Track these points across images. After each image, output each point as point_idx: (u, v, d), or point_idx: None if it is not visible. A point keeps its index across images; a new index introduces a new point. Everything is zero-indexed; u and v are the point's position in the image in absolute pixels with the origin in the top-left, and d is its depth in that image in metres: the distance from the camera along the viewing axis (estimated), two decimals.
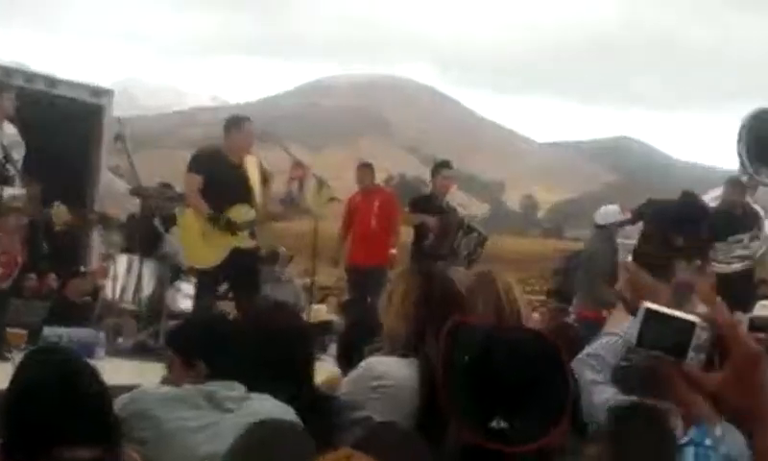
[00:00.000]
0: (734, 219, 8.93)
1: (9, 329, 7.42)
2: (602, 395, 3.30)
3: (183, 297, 9.04)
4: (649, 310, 1.56)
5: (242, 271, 7.86)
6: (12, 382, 3.04)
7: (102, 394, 2.96)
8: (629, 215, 8.75)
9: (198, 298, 8.09)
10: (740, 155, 8.75)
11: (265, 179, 8.22)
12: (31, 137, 7.80)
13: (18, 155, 7.53)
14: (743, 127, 8.89)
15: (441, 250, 9.40)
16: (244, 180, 8.00)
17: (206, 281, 7.91)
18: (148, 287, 8.96)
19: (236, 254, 7.79)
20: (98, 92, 11.08)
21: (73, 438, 2.71)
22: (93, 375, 3.17)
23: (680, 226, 8.31)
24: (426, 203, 9.95)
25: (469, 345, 2.34)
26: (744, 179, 9.11)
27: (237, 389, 3.28)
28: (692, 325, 1.53)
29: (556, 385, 2.34)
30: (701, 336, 1.52)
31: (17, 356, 6.42)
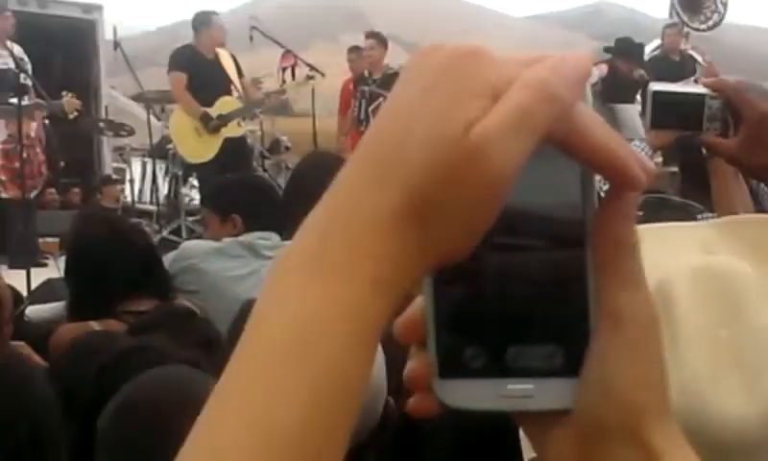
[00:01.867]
0: (673, 64, 9.42)
1: (41, 239, 7.73)
2: None
3: (198, 191, 9.15)
4: (657, 92, 1.59)
5: (235, 157, 8.07)
6: (71, 242, 3.26)
7: (151, 248, 3.24)
8: (604, 68, 9.17)
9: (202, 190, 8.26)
10: (673, 4, 9.07)
11: (240, 71, 8.45)
12: (30, 58, 8.06)
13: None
14: None
15: None
16: (223, 73, 8.23)
17: (207, 173, 8.01)
18: (164, 187, 9.27)
19: (228, 142, 8.07)
20: (89, 8, 11.09)
21: (131, 290, 2.91)
22: (141, 232, 3.47)
23: (640, 61, 8.89)
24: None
25: None
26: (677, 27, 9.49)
27: (273, 238, 3.51)
28: (702, 96, 1.55)
29: None
30: (712, 106, 1.54)
31: (53, 263, 6.84)
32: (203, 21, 8.33)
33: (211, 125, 8.01)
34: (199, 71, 8.08)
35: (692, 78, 8.68)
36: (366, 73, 9.32)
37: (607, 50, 9.19)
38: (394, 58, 10.61)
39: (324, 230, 0.46)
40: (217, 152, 8.04)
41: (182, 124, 8.16)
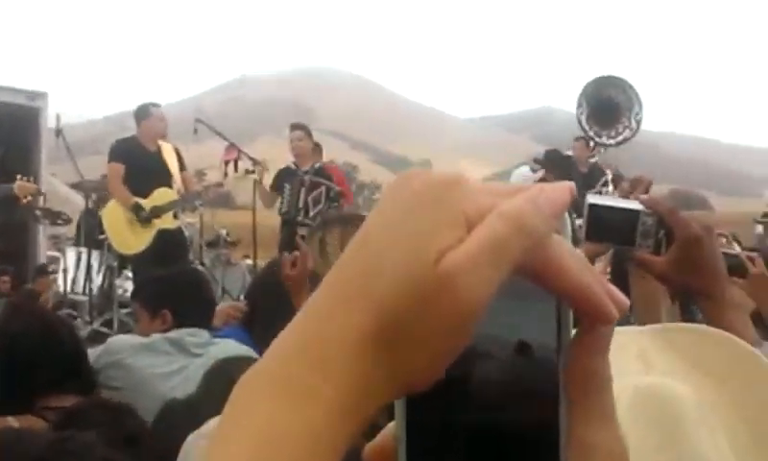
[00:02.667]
0: (580, 175, 9.56)
1: None
2: None
3: (133, 283, 9.25)
4: (593, 205, 1.58)
5: (171, 249, 8.06)
6: None
7: (78, 344, 3.16)
8: (541, 172, 9.26)
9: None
10: (579, 120, 9.25)
11: (182, 163, 8.50)
12: None
13: None
14: (582, 94, 9.38)
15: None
16: (162, 164, 8.29)
17: (142, 265, 7.96)
18: (97, 277, 9.16)
19: (164, 234, 8.08)
20: (34, 95, 11.04)
21: (54, 387, 2.83)
22: (69, 327, 3.37)
23: (569, 174, 8.96)
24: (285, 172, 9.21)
25: None
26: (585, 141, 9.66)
27: (202, 335, 3.47)
28: (636, 212, 1.55)
29: None
30: (646, 222, 1.54)
31: None
32: (143, 113, 8.45)
33: (142, 216, 8.05)
34: (138, 162, 8.12)
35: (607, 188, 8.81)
36: (292, 165, 9.16)
37: (537, 162, 9.17)
38: (340, 154, 10.65)
39: (292, 352, 0.46)
40: (152, 243, 8.03)
41: (116, 214, 8.18)
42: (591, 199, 1.58)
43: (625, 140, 9.21)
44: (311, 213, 8.59)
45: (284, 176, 9.01)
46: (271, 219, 10.81)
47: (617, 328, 0.50)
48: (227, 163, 9.42)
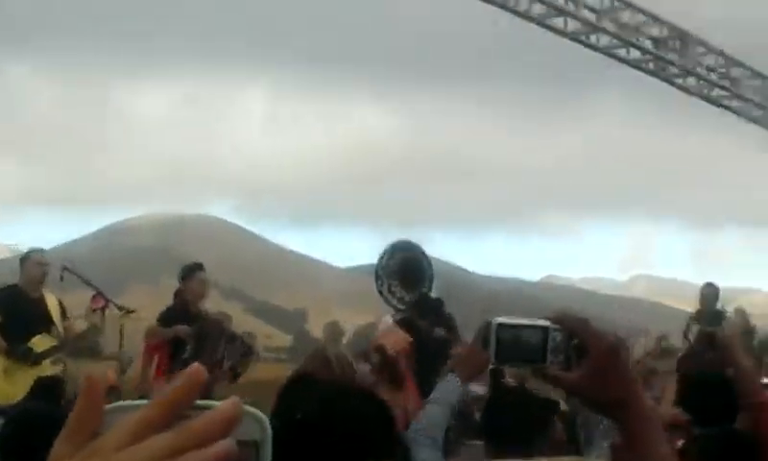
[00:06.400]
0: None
1: None
2: None
3: None
4: (500, 325, 1.53)
5: (47, 398, 7.79)
6: None
7: None
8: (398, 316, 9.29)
9: None
10: (378, 271, 9.46)
11: (64, 311, 8.50)
12: None
13: None
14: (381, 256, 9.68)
15: (201, 360, 8.73)
16: (43, 311, 8.26)
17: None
18: None
19: (41, 382, 7.97)
20: None
21: None
22: None
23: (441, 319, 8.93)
24: (179, 313, 9.06)
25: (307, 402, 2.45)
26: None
27: None
28: (545, 328, 1.51)
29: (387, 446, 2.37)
30: (556, 338, 1.51)
31: None
32: (24, 259, 8.58)
33: (18, 354, 7.92)
34: (17, 310, 8.11)
35: None
36: (191, 308, 9.04)
37: (407, 309, 9.13)
38: (213, 303, 10.52)
39: None
40: (28, 393, 7.92)
41: None
42: (498, 319, 1.53)
43: (420, 296, 9.35)
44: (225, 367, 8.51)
45: (174, 315, 8.89)
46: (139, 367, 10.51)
47: None
48: (94, 311, 9.22)
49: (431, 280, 9.62)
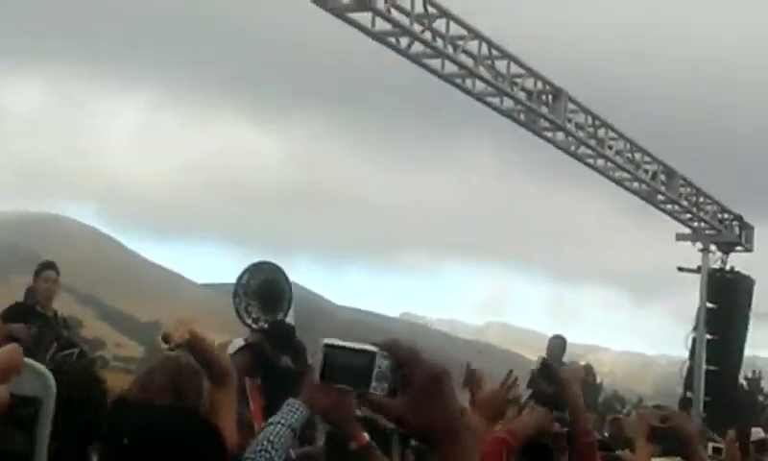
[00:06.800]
0: None
1: None
2: None
3: None
4: (329, 345, 1.54)
5: None
6: None
7: None
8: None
9: None
10: (238, 293, 9.47)
11: None
12: None
13: None
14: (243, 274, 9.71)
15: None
16: None
17: None
18: None
19: None
20: None
21: None
22: None
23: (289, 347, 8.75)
24: (22, 311, 8.77)
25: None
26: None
27: None
28: (372, 354, 1.51)
29: None
30: (382, 364, 1.51)
31: None
32: None
33: None
34: None
35: None
36: (38, 307, 8.74)
37: (258, 331, 8.89)
38: (66, 307, 10.22)
39: None
40: None
41: None
42: (327, 340, 1.53)
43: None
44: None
45: (20, 312, 8.65)
46: None
47: None
48: None
49: (290, 305, 9.53)
